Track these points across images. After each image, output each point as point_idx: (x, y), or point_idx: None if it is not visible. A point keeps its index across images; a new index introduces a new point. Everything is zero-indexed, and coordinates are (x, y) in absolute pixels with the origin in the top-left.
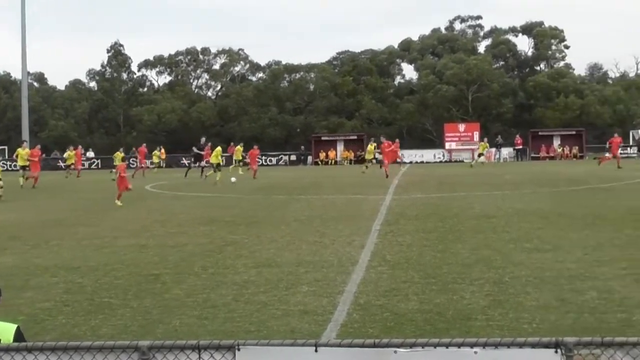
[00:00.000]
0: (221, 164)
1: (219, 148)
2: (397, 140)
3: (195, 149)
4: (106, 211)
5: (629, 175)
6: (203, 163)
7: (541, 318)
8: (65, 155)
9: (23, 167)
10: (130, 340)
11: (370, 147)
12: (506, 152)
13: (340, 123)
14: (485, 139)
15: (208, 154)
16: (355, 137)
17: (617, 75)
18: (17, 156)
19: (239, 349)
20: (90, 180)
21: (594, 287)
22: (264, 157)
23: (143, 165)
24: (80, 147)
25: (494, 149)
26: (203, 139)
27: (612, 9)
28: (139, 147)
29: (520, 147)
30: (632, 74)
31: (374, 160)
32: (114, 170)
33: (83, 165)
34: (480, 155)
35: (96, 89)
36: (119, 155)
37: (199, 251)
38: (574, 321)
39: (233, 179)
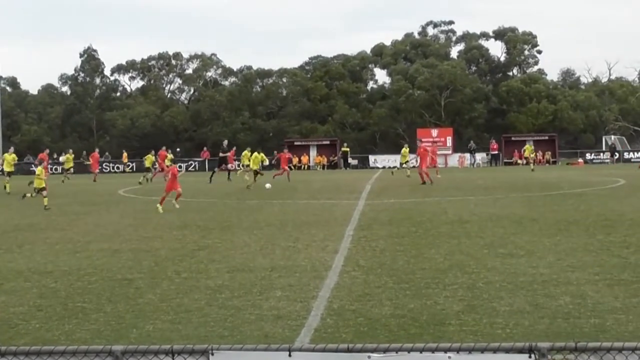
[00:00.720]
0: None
1: (256, 154)
2: (433, 144)
3: (221, 153)
4: (78, 215)
5: (601, 181)
6: (229, 166)
7: (515, 323)
8: (62, 159)
9: (9, 173)
10: (104, 344)
11: (405, 150)
12: (479, 157)
13: (313, 128)
14: (532, 142)
15: (232, 156)
16: (328, 142)
17: (590, 80)
18: (3, 161)
19: (212, 354)
20: (62, 185)
21: (567, 293)
22: (236, 162)
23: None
24: (97, 150)
25: (467, 154)
26: (225, 142)
27: (584, 15)
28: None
29: (496, 152)
30: (604, 80)
31: (408, 164)
32: (147, 174)
33: (56, 169)
34: (527, 159)
35: (69, 93)
36: (150, 158)
37: (173, 256)
38: (548, 326)
39: (268, 185)
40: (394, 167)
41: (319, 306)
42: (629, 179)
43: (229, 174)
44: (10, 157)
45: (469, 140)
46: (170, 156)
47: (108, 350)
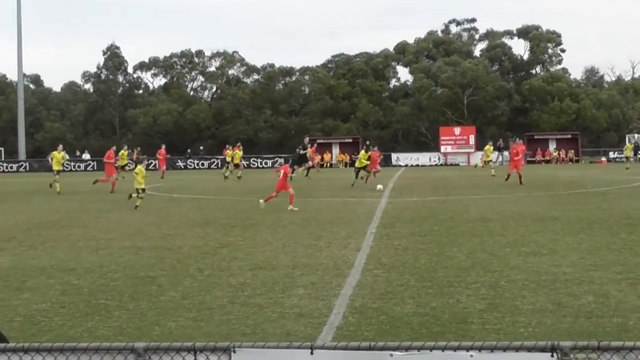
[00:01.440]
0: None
1: (363, 152)
2: (520, 140)
3: (299, 150)
4: (101, 213)
5: (624, 180)
6: (309, 163)
7: (537, 322)
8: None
9: (58, 172)
10: (127, 342)
11: (489, 147)
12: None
13: (335, 126)
14: (637, 136)
15: (313, 153)
16: (350, 140)
17: (613, 79)
18: (52, 159)
19: (234, 351)
20: (85, 182)
21: (590, 291)
22: (259, 160)
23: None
24: (163, 146)
25: (496, 153)
26: (307, 139)
27: (608, 14)
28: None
29: None
30: (627, 78)
31: (491, 162)
32: (227, 168)
33: (79, 167)
34: (627, 158)
35: (91, 90)
36: (239, 153)
37: (195, 253)
38: (570, 325)
39: (379, 187)
40: (480, 164)
41: (341, 304)
42: None
43: (308, 171)
44: (60, 155)
45: (491, 139)
46: (237, 153)
47: (130, 348)
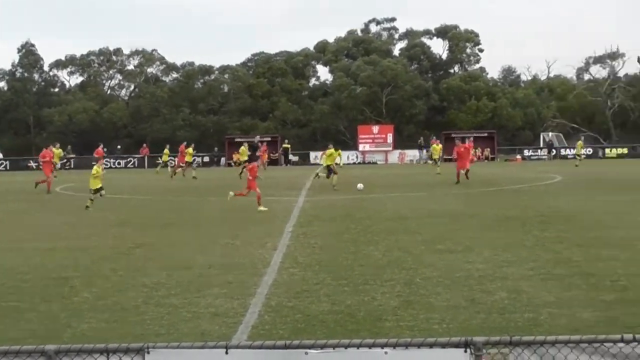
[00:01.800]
0: (334, 165)
1: (332, 150)
2: (470, 139)
3: (250, 148)
4: (13, 214)
5: (538, 177)
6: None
7: (451, 318)
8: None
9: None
10: (37, 344)
11: (437, 147)
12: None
13: (253, 124)
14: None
15: (264, 153)
16: (269, 139)
17: (529, 78)
18: (53, 156)
19: (148, 352)
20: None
21: (503, 288)
22: (176, 159)
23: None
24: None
25: (417, 151)
26: (258, 137)
27: (526, 14)
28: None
29: None
30: (543, 77)
31: (438, 161)
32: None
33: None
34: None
35: (6, 89)
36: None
37: (109, 254)
38: (483, 321)
39: (360, 186)
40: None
41: (256, 303)
42: (565, 176)
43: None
44: (58, 152)
45: (409, 137)
46: (190, 150)
47: (41, 350)
